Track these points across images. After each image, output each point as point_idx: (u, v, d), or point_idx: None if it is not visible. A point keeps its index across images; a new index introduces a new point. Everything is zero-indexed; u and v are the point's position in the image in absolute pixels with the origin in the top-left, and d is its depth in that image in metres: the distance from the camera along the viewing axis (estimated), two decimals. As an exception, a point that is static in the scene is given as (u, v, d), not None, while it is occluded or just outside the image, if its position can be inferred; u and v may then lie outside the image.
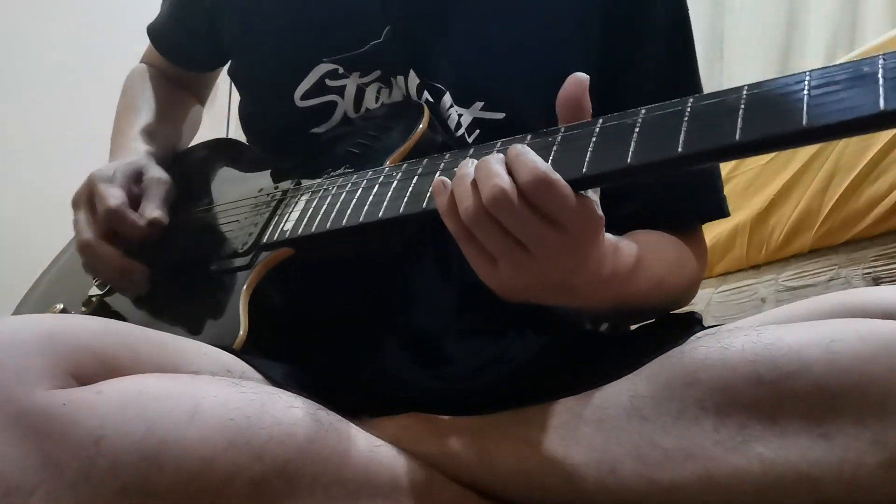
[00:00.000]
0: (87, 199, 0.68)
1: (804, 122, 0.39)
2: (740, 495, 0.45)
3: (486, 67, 0.66)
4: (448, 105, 0.66)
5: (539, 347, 0.64)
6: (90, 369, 0.41)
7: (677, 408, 0.48)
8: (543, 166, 0.44)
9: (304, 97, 0.69)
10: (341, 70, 0.67)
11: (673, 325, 0.62)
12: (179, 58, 0.89)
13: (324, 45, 0.67)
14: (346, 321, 0.64)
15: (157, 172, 0.71)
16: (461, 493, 0.51)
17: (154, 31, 0.89)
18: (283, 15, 0.70)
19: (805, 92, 0.40)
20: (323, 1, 0.69)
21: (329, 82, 0.68)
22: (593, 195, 0.46)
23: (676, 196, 0.67)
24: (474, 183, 0.45)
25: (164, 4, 0.87)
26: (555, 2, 0.67)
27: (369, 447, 0.49)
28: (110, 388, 0.40)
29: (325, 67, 0.67)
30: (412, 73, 0.66)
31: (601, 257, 0.49)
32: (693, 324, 0.60)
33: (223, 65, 0.85)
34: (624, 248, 0.53)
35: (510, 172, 0.44)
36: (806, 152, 1.27)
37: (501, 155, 0.46)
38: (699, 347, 0.50)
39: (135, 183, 0.69)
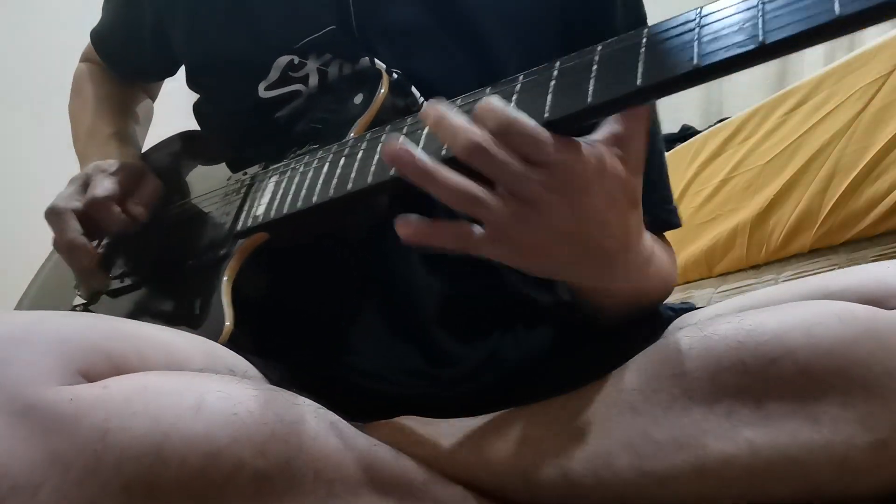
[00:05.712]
0: (83, 181, 0.70)
1: (760, 38, 0.38)
2: (733, 482, 0.45)
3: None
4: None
5: (529, 346, 0.65)
6: (100, 369, 0.41)
7: (666, 399, 0.48)
8: (505, 110, 0.42)
9: (269, 88, 0.68)
10: (297, 60, 0.67)
11: (656, 317, 0.62)
12: (131, 75, 0.90)
13: (280, 41, 0.67)
14: (333, 316, 0.64)
15: (154, 179, 0.74)
16: (461, 491, 0.51)
17: (101, 45, 0.88)
18: (233, 19, 0.70)
19: (760, 7, 0.39)
20: (271, 1, 0.68)
21: (292, 74, 0.68)
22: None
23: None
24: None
25: (105, 12, 0.86)
26: (508, 3, 0.67)
27: (370, 445, 0.49)
28: (116, 383, 0.40)
29: (284, 60, 0.67)
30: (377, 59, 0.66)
31: (625, 221, 0.47)
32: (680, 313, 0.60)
33: (173, 74, 0.85)
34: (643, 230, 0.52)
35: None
36: (806, 152, 1.27)
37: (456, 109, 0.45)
38: (683, 338, 0.50)
39: (132, 182, 0.71)
